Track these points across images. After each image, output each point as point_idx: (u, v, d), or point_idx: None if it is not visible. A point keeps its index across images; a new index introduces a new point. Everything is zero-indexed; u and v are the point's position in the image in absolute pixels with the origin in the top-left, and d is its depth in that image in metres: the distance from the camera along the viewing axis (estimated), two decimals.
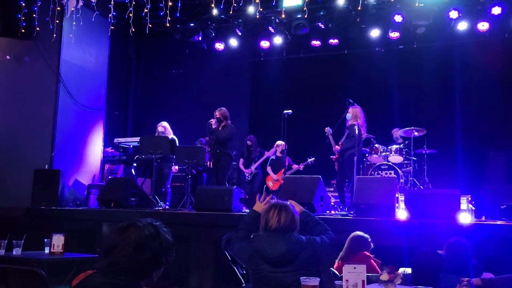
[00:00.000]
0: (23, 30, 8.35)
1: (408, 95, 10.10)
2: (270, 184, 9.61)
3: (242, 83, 11.65)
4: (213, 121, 8.15)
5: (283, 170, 9.19)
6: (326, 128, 8.05)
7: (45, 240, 5.15)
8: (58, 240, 5.05)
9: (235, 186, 7.30)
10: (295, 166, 9.41)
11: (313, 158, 9.43)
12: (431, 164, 9.01)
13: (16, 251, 4.98)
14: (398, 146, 8.92)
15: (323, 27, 9.67)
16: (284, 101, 9.72)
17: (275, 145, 9.64)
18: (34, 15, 8.30)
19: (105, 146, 9.73)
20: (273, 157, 9.69)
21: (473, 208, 7.15)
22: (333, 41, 10.18)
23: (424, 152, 8.91)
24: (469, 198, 7.15)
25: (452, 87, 9.85)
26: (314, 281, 2.64)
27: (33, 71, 8.77)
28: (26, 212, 7.49)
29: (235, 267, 4.13)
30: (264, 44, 10.54)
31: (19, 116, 8.74)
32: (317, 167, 9.18)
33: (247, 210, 6.26)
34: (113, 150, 9.79)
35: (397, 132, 9.23)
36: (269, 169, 9.67)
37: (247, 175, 9.63)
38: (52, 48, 8.66)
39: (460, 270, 3.41)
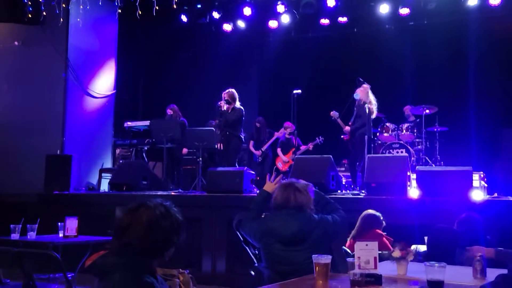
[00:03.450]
0: (30, 15, 8.33)
1: (419, 73, 9.99)
2: (279, 165, 9.62)
3: (251, 64, 11.61)
4: (222, 103, 8.13)
5: (292, 150, 9.18)
6: (332, 112, 7.99)
7: (59, 224, 5.20)
8: (71, 224, 5.10)
9: (246, 167, 7.31)
10: (303, 147, 9.40)
11: (322, 138, 9.40)
12: (443, 142, 8.96)
13: (31, 235, 5.03)
14: (409, 124, 8.86)
15: (332, 5, 9.55)
16: (293, 81, 9.65)
17: (283, 127, 9.62)
18: (40, 0, 8.27)
19: (115, 130, 9.76)
20: (283, 138, 9.69)
21: (486, 185, 7.10)
22: (342, 19, 10.08)
23: (435, 129, 8.86)
24: (482, 175, 7.10)
25: (464, 64, 9.71)
26: (326, 259, 2.64)
27: (41, 57, 8.77)
28: (39, 197, 7.57)
29: (247, 247, 4.15)
30: (272, 24, 10.46)
31: (29, 102, 8.77)
32: (327, 146, 9.14)
33: (258, 191, 6.27)
34: (123, 134, 9.82)
35: (407, 109, 9.16)
36: (278, 150, 9.67)
37: (257, 156, 9.63)
38: (59, 33, 8.64)
39: (473, 245, 3.39)
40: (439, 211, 5.27)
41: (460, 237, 3.66)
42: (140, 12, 8.04)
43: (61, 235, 5.13)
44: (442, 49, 9.77)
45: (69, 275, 4.02)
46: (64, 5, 8.25)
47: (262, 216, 3.76)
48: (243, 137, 8.36)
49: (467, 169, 5.70)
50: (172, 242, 2.19)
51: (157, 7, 8.05)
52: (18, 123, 8.77)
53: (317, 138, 9.45)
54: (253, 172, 7.23)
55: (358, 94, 7.61)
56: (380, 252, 2.68)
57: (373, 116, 7.68)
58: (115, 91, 9.83)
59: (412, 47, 10.06)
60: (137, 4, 7.87)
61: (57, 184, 7.73)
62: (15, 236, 5.00)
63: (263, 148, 9.61)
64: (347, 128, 7.77)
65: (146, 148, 9.13)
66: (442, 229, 3.91)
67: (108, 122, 9.63)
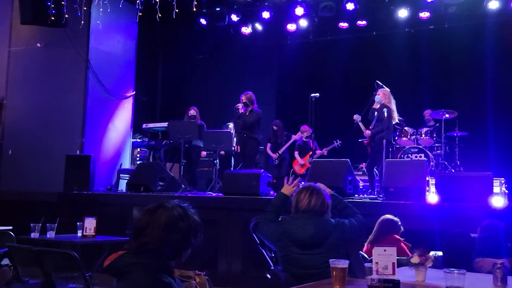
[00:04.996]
0: (52, 18, 8.44)
1: (439, 77, 9.89)
2: (296, 168, 9.60)
3: (269, 67, 11.60)
4: (240, 105, 8.14)
5: (309, 154, 9.15)
6: (355, 115, 7.94)
7: (78, 223, 5.25)
8: (90, 224, 5.14)
9: (263, 170, 7.30)
10: (318, 152, 9.38)
11: (340, 142, 9.36)
12: (462, 147, 8.84)
13: (50, 234, 5.08)
14: (428, 128, 8.76)
15: (351, 8, 9.51)
16: (311, 85, 9.66)
17: (300, 131, 9.60)
18: (63, 3, 8.38)
19: (134, 131, 9.84)
20: (300, 142, 9.67)
21: (506, 191, 6.99)
22: (361, 22, 10.03)
23: (455, 134, 8.75)
24: (503, 181, 6.99)
25: (484, 68, 9.58)
26: (343, 263, 2.61)
27: (63, 58, 8.88)
28: (59, 197, 7.64)
29: (263, 250, 4.14)
30: (291, 27, 10.45)
31: (50, 103, 8.89)
32: (345, 150, 9.10)
33: (275, 194, 6.25)
34: (141, 135, 9.89)
35: (427, 113, 9.07)
36: (296, 154, 9.67)
37: (274, 159, 9.62)
38: (81, 35, 8.74)
39: (494, 253, 3.33)
40: (458, 217, 5.20)
41: (480, 244, 3.60)
42: (160, 15, 8.10)
43: (79, 234, 5.18)
44: (462, 53, 9.66)
45: (87, 274, 4.05)
46: (85, 8, 8.36)
47: (279, 219, 3.74)
48: (260, 139, 8.36)
49: (487, 175, 5.60)
50: (189, 243, 2.19)
51: (177, 10, 8.10)
52: (39, 123, 8.88)
53: (334, 141, 9.41)
54: (269, 175, 7.21)
55: (380, 97, 7.55)
56: (398, 257, 2.64)
57: (395, 121, 7.61)
58: (134, 92, 9.90)
59: (432, 50, 9.96)
60: (157, 7, 7.93)
61: (76, 183, 7.80)
62: (35, 235, 5.06)
63: (280, 151, 9.60)
64: (368, 132, 7.71)
65: (163, 149, 9.18)
66: (458, 234, 3.85)
67: (127, 123, 9.70)
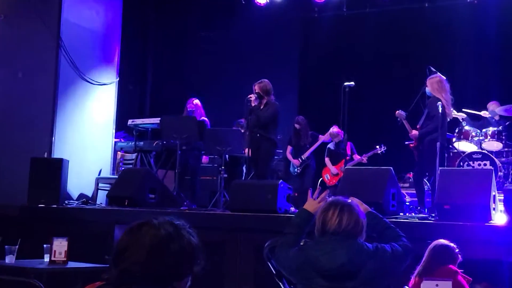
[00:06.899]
0: None
1: (510, 61, 9.81)
2: (327, 178, 9.60)
3: (290, 48, 11.64)
4: (252, 97, 8.13)
5: (343, 161, 9.11)
6: (398, 111, 7.90)
7: (44, 246, 5.30)
8: (60, 246, 5.19)
9: (281, 180, 7.31)
10: (357, 157, 9.36)
11: (384, 147, 9.33)
12: None
13: (9, 259, 5.13)
14: (496, 128, 8.70)
15: None
16: (344, 71, 9.64)
17: (328, 133, 9.57)
18: None
19: (117, 129, 9.88)
20: (331, 145, 9.65)
21: None
22: None
23: None
24: None
25: None
26: None
27: (29, 34, 8.94)
28: (21, 211, 7.72)
29: (280, 282, 4.15)
30: None
31: (12, 92, 8.95)
32: (387, 156, 9.08)
33: (296, 211, 6.26)
34: (126, 134, 9.95)
35: (493, 106, 8.98)
36: (327, 160, 9.67)
37: (296, 166, 9.62)
38: (51, 6, 8.82)
39: None
40: None
41: None
42: None
43: (46, 260, 5.22)
44: None
45: None
46: None
47: (301, 244, 3.74)
48: (277, 141, 8.35)
49: None
50: (183, 271, 2.18)
51: None
52: None
53: (377, 146, 9.39)
54: (290, 187, 7.22)
55: (428, 88, 7.52)
56: None
57: (450, 117, 7.57)
58: (118, 79, 9.95)
59: (502, 25, 9.89)
60: None
61: (44, 195, 7.86)
62: None
63: (304, 156, 9.59)
64: (415, 132, 7.67)
65: (154, 152, 9.23)
66: None
67: (108, 118, 9.74)
